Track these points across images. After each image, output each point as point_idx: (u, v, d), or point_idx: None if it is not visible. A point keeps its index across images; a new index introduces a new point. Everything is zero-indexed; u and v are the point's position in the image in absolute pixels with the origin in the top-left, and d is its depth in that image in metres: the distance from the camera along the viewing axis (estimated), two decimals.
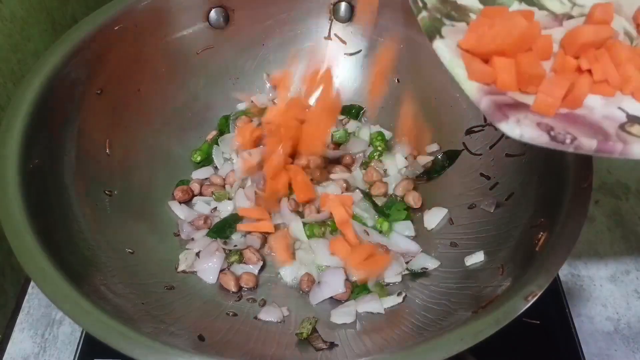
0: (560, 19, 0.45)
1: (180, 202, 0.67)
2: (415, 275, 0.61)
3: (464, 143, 0.70)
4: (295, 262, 0.62)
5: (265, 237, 0.64)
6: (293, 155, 0.68)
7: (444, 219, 0.66)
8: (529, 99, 0.37)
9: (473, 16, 0.46)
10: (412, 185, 0.69)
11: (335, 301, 0.59)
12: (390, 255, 0.62)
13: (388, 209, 0.67)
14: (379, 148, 0.73)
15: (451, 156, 0.70)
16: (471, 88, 0.38)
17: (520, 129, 0.35)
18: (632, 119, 0.37)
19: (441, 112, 0.72)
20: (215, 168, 0.72)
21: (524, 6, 0.46)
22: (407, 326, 0.54)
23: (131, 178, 0.65)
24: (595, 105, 0.38)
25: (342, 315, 0.57)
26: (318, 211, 0.65)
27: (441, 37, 0.43)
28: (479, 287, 0.53)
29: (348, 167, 0.71)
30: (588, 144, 0.35)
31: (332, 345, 0.52)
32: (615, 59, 0.39)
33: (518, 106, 0.36)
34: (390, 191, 0.69)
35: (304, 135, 0.68)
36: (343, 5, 0.75)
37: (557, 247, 0.48)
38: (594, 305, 0.68)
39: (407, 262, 0.62)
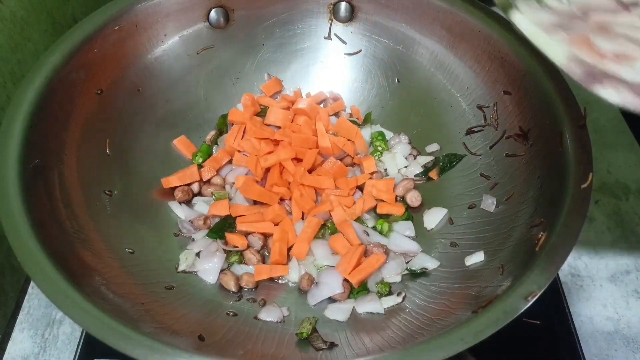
0: (627, 5, 0.46)
1: (180, 202, 0.67)
2: (415, 275, 0.61)
3: (464, 143, 0.70)
4: (295, 262, 0.62)
5: (266, 237, 0.64)
6: (297, 158, 0.68)
7: (444, 219, 0.66)
8: (617, 71, 0.39)
9: None
10: (412, 185, 0.69)
11: (334, 302, 0.59)
12: (389, 254, 0.62)
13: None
14: (380, 148, 0.73)
15: (452, 160, 0.70)
16: (559, 55, 0.40)
17: (619, 95, 0.38)
18: None
19: (441, 112, 0.72)
20: None
21: None
22: (407, 326, 0.54)
23: (131, 178, 0.65)
24: None
25: (336, 312, 0.57)
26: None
27: (516, 8, 0.46)
28: (479, 287, 0.53)
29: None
30: None
31: (332, 345, 0.52)
32: None
33: (608, 75, 0.39)
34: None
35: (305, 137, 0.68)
36: (343, 5, 0.75)
37: (557, 247, 0.48)
38: (594, 305, 0.68)
39: (407, 262, 0.62)
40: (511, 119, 0.65)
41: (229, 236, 0.63)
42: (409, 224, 0.66)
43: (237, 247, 0.62)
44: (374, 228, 0.65)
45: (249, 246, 0.63)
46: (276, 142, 0.69)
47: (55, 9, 0.80)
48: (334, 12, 0.76)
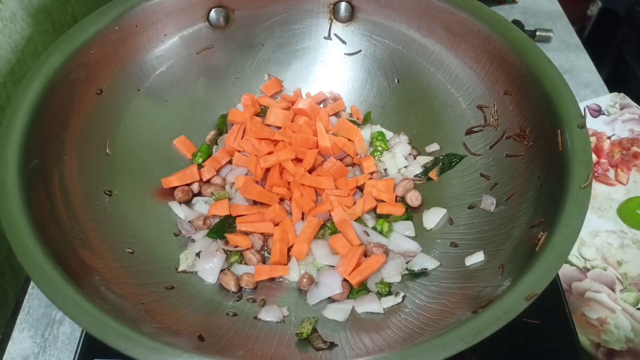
0: None
1: (180, 202, 0.67)
2: (415, 275, 0.61)
3: (464, 143, 0.70)
4: (295, 262, 0.62)
5: (266, 237, 0.64)
6: (297, 159, 0.68)
7: (444, 219, 0.66)
8: None
9: None
10: (412, 185, 0.69)
11: (333, 301, 0.59)
12: (388, 254, 0.62)
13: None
14: (380, 148, 0.73)
15: (452, 160, 0.70)
16: None
17: None
18: None
19: (441, 112, 0.72)
20: None
21: None
22: (407, 326, 0.54)
23: (131, 178, 0.65)
24: None
25: (335, 312, 0.57)
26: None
27: None
28: (479, 287, 0.54)
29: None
30: None
31: (332, 345, 0.52)
32: None
33: None
34: None
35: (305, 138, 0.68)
36: (343, 5, 0.75)
37: (557, 247, 0.48)
38: None
39: (407, 262, 0.62)
40: (511, 119, 0.65)
41: (232, 237, 0.63)
42: (409, 224, 0.66)
43: (238, 247, 0.62)
44: (374, 228, 0.65)
45: (251, 246, 0.63)
46: (276, 143, 0.69)
47: (55, 9, 0.80)
48: (334, 12, 0.76)
